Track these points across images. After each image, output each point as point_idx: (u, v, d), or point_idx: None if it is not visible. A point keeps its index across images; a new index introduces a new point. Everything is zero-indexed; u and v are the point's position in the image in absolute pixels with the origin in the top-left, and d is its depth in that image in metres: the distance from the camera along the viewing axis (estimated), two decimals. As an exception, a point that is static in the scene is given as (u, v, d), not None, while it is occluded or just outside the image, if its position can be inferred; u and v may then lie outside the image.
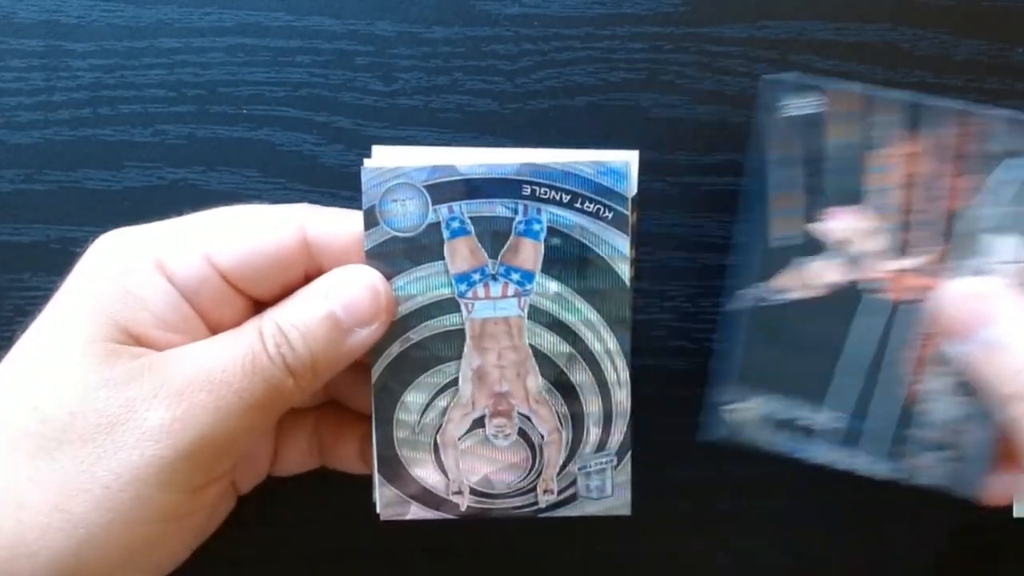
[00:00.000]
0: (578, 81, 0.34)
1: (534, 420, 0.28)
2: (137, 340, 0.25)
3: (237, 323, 0.27)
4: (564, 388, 0.28)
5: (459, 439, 0.28)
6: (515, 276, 0.27)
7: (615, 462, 0.28)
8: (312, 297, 0.26)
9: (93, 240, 0.27)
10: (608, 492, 0.28)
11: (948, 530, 0.35)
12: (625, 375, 0.28)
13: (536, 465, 0.28)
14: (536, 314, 0.27)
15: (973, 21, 0.34)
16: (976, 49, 0.34)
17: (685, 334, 0.34)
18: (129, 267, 0.26)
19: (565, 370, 0.28)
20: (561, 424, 0.28)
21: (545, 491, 0.28)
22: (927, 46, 0.34)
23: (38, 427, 0.24)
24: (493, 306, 0.27)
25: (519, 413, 0.28)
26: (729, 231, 0.34)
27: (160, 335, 0.25)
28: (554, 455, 0.28)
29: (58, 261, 0.33)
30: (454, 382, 0.28)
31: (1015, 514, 0.34)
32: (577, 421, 0.28)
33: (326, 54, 0.33)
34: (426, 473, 0.28)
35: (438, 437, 0.28)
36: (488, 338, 0.27)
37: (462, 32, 0.34)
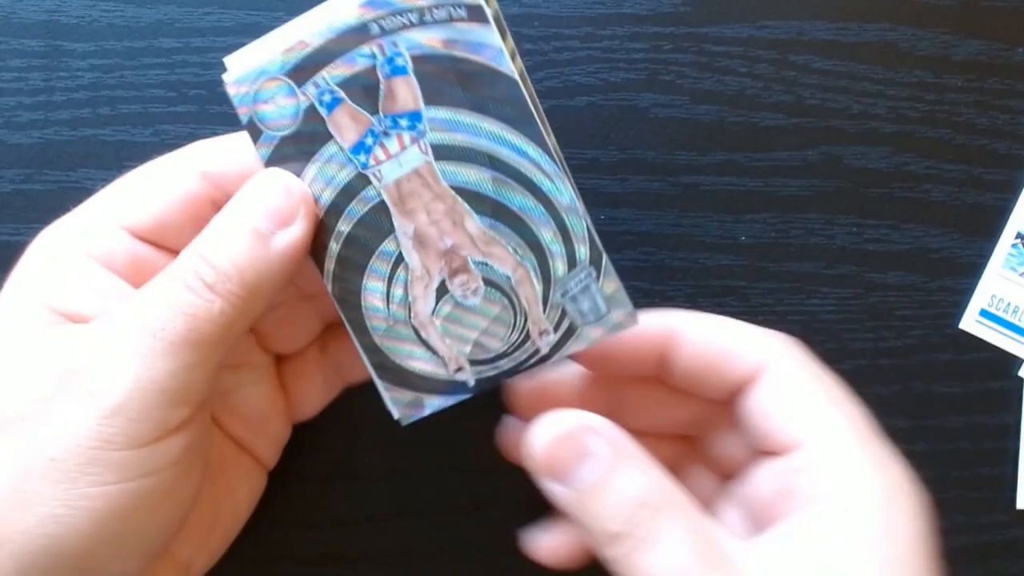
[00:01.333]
0: (578, 81, 0.34)
1: (492, 264, 0.26)
2: (72, 318, 0.25)
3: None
4: (506, 217, 0.26)
5: (432, 315, 0.27)
6: (403, 123, 0.25)
7: (594, 274, 0.26)
8: (223, 215, 0.25)
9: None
10: (604, 309, 0.26)
11: (948, 530, 0.34)
12: (558, 169, 0.26)
13: (518, 311, 0.27)
14: (442, 152, 0.26)
15: (973, 21, 0.34)
16: (976, 49, 0.34)
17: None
18: (54, 255, 0.26)
19: (497, 198, 0.26)
20: (520, 256, 0.26)
21: (541, 333, 0.27)
22: (927, 46, 0.34)
23: None
24: (398, 163, 0.26)
25: (475, 262, 0.26)
26: (729, 231, 0.34)
27: (95, 307, 0.25)
28: (530, 292, 0.26)
29: (58, 261, 0.33)
30: (400, 258, 0.26)
31: (1018, 505, 0.34)
32: (535, 247, 0.26)
33: (326, 54, 0.33)
34: (420, 363, 0.27)
35: (412, 321, 0.27)
36: (409, 198, 0.26)
37: (462, 32, 0.34)
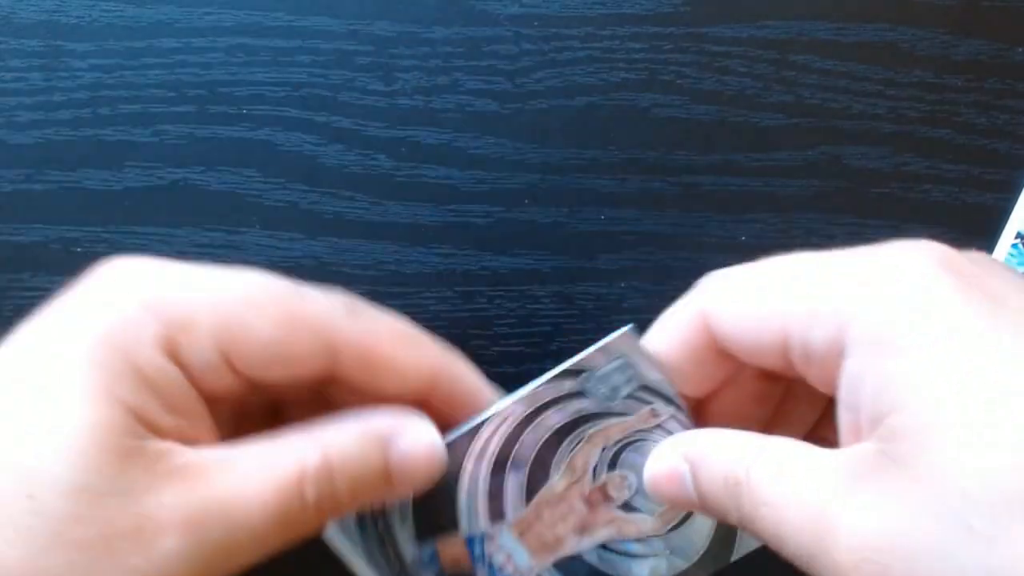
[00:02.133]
0: (578, 81, 0.34)
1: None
2: (146, 424, 0.23)
3: (234, 401, 0.25)
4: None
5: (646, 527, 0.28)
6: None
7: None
8: (372, 442, 0.24)
9: (103, 259, 0.24)
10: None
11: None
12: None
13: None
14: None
15: (973, 21, 0.34)
16: (976, 49, 0.34)
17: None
18: (137, 336, 0.23)
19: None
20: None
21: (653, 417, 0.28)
22: (927, 46, 0.34)
23: (32, 519, 0.21)
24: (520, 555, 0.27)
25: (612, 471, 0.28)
26: (729, 231, 0.34)
27: (169, 420, 0.23)
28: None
29: (58, 261, 0.33)
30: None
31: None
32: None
33: (326, 54, 0.33)
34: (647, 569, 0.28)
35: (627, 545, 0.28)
36: (545, 536, 0.27)
37: (462, 32, 0.34)
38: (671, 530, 0.27)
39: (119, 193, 0.33)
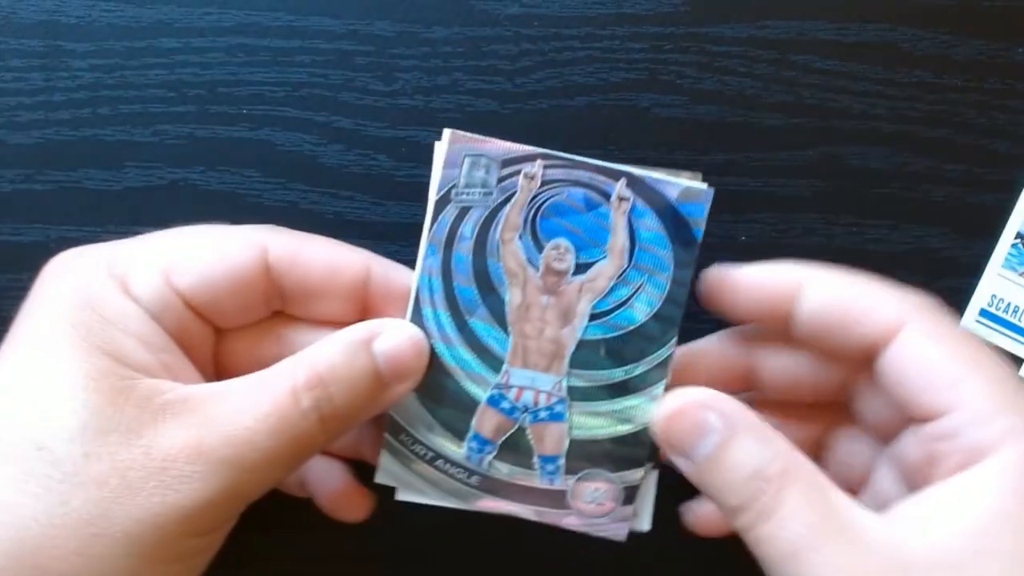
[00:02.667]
0: (578, 81, 0.34)
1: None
2: (129, 365, 0.24)
3: (201, 350, 0.27)
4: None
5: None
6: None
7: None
8: (354, 347, 0.25)
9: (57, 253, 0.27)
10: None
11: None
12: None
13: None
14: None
15: (973, 21, 0.34)
16: (976, 49, 0.34)
17: (685, 335, 0.34)
18: (95, 291, 0.25)
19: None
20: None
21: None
22: (927, 46, 0.34)
23: (47, 468, 0.23)
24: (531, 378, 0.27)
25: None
26: (729, 231, 0.34)
27: (149, 357, 0.25)
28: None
29: (58, 261, 0.33)
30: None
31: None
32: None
33: (326, 54, 0.33)
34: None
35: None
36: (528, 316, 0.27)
37: (462, 32, 0.34)
38: (631, 256, 0.27)
39: (119, 193, 0.33)
